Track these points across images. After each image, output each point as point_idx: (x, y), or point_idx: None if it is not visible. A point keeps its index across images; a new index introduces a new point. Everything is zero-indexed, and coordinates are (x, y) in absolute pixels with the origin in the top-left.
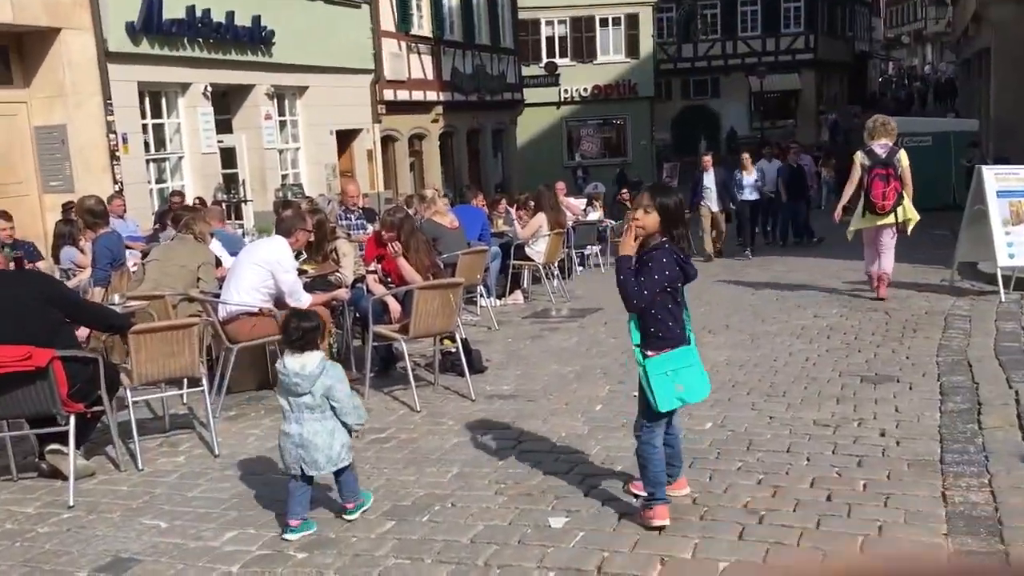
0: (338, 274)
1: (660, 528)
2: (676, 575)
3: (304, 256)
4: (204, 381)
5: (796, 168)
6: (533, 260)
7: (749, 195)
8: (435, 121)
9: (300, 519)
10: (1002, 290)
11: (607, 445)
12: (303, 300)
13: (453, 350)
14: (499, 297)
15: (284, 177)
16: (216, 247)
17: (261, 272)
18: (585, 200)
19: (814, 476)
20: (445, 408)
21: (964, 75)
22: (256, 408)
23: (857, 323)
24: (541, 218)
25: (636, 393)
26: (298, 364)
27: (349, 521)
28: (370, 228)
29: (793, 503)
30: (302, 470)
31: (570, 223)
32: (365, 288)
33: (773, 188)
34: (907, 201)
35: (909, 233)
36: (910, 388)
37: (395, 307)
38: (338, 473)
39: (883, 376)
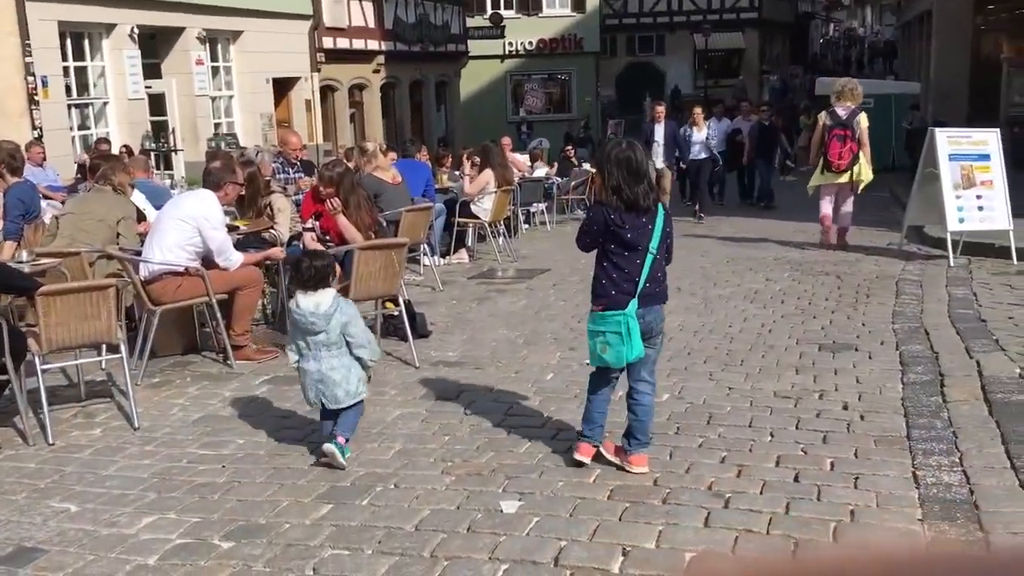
0: (273, 231)
1: (578, 463)
2: (640, 566)
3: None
4: (123, 347)
5: (767, 126)
6: (479, 218)
7: (699, 153)
8: (376, 71)
9: (347, 435)
10: (951, 255)
11: (560, 419)
12: (233, 260)
13: (396, 313)
14: (443, 256)
15: (217, 126)
16: (138, 199)
17: (186, 228)
18: (529, 156)
19: (779, 454)
20: (387, 376)
21: (904, 38)
22: (182, 374)
23: (810, 287)
24: (488, 175)
25: (587, 360)
26: (312, 303)
27: (337, 453)
28: (308, 181)
29: (760, 484)
30: (323, 405)
31: (516, 179)
32: (302, 246)
33: (720, 148)
34: (863, 161)
35: (859, 192)
36: (869, 357)
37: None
38: (348, 407)
39: (841, 344)
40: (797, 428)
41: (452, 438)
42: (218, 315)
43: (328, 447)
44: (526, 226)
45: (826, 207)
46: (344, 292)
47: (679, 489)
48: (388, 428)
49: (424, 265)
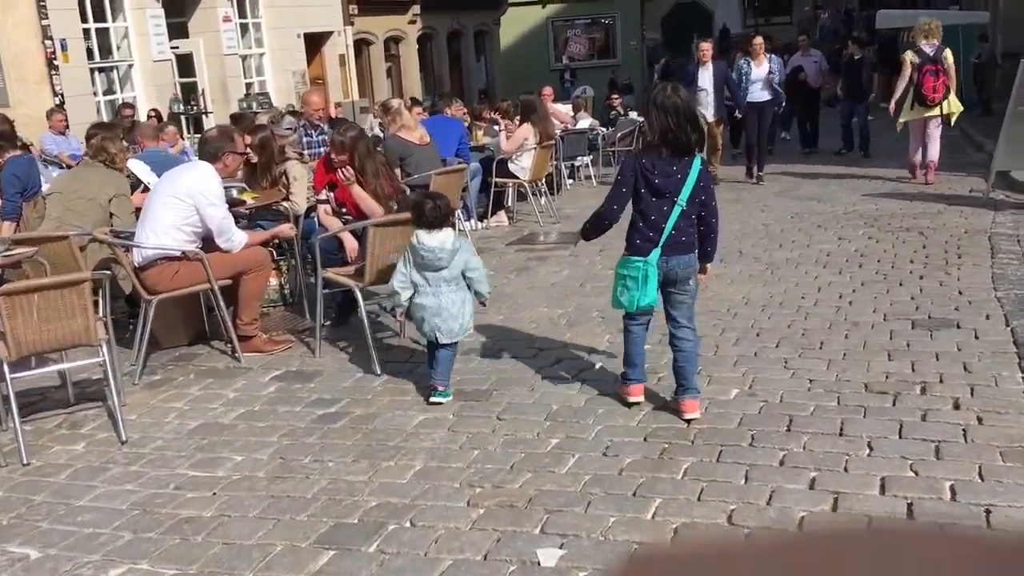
0: (288, 203)
1: (632, 404)
2: None
3: (244, 187)
4: (103, 350)
5: (856, 62)
6: (518, 177)
7: (760, 94)
8: (412, 22)
9: (446, 384)
10: None
11: (609, 424)
12: (236, 240)
13: None
14: (481, 219)
15: (248, 87)
16: (139, 169)
17: (182, 207)
18: (572, 106)
19: (883, 475)
20: (412, 369)
21: None
22: (185, 370)
23: (890, 247)
24: (527, 130)
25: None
26: (438, 240)
27: (436, 403)
28: None
29: (863, 522)
30: (437, 338)
31: (558, 132)
32: (316, 220)
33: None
34: (952, 95)
35: (952, 124)
36: (976, 337)
37: (351, 245)
38: (448, 345)
39: (938, 320)
40: (900, 436)
41: (482, 453)
42: (221, 303)
43: (434, 399)
44: (570, 182)
45: (916, 145)
46: (359, 275)
47: (764, 532)
48: (409, 440)
49: (460, 231)
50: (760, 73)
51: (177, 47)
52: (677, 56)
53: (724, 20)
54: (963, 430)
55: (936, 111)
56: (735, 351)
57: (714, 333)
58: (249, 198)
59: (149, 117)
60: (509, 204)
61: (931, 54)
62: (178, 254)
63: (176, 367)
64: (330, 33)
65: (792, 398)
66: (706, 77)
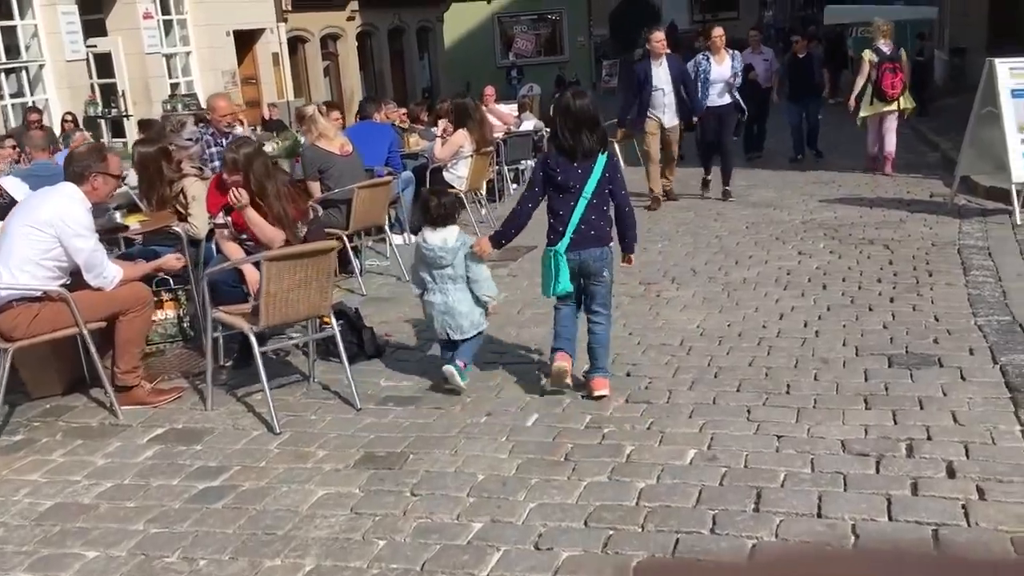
0: (186, 225)
1: (561, 372)
2: None
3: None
4: None
5: (805, 59)
6: (454, 187)
7: (722, 98)
8: (351, 19)
9: (468, 361)
10: (1017, 210)
11: (544, 504)
12: (108, 276)
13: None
14: (415, 232)
15: (174, 87)
16: (14, 187)
17: (42, 238)
18: (517, 106)
19: None
20: (317, 425)
21: None
22: (52, 429)
23: (855, 263)
24: (462, 136)
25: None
26: (440, 239)
27: (456, 375)
28: None
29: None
30: (448, 335)
31: (500, 135)
32: (214, 248)
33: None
34: (907, 92)
35: (907, 118)
36: (962, 377)
37: (252, 277)
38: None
39: (917, 356)
40: (890, 518)
41: (388, 546)
42: (92, 349)
43: (448, 368)
44: (515, 186)
45: (874, 139)
46: (254, 315)
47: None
48: (302, 526)
49: (395, 244)
50: (723, 72)
51: (95, 45)
52: (623, 52)
53: (671, 15)
54: (963, 507)
55: (894, 106)
56: (691, 398)
57: (666, 374)
58: (135, 222)
59: (65, 122)
60: None
61: (888, 53)
62: (38, 294)
63: (43, 424)
64: (262, 30)
65: (758, 461)
66: (661, 74)
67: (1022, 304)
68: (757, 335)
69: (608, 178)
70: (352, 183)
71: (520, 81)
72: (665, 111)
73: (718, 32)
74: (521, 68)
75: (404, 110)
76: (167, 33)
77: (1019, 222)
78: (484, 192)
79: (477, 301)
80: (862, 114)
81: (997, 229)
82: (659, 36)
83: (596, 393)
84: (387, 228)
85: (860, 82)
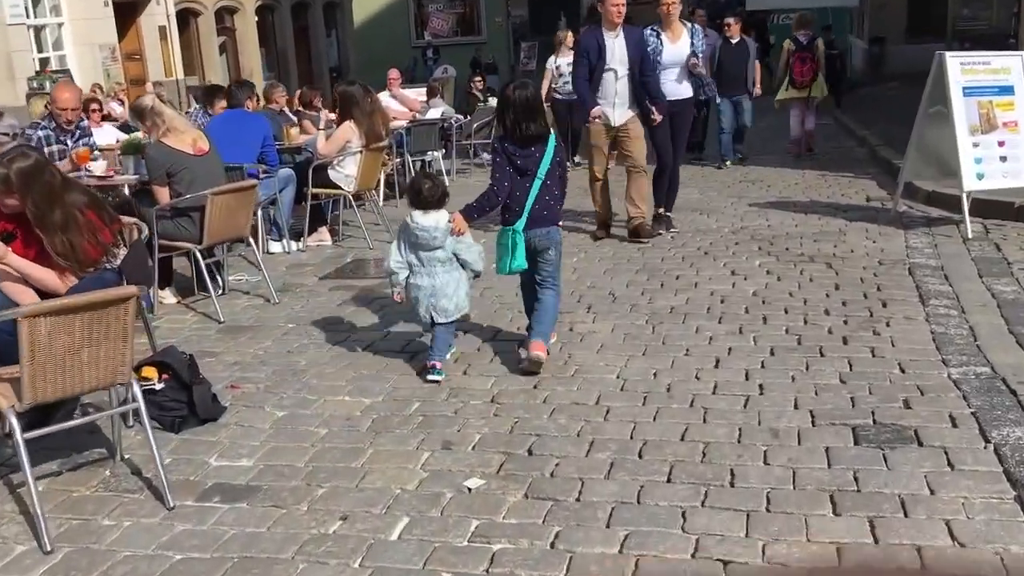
0: None
1: (539, 361)
2: None
3: None
4: None
5: (735, 47)
6: (340, 187)
7: (675, 86)
8: None
9: (442, 360)
10: (968, 221)
11: None
12: None
13: (157, 387)
14: (297, 238)
15: (44, 63)
16: None
17: None
18: (426, 90)
19: None
20: (107, 537)
21: None
22: None
23: (796, 287)
24: (348, 129)
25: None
26: (432, 220)
27: (434, 381)
28: (86, 152)
29: None
30: (432, 318)
31: (404, 123)
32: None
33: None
34: (820, 80)
35: (815, 104)
36: (949, 464)
37: None
38: (444, 324)
39: (888, 429)
40: None
41: None
42: None
43: (431, 378)
44: None
45: (796, 120)
46: (15, 387)
47: None
48: None
49: (270, 253)
50: (677, 53)
51: None
52: (542, 34)
53: None
54: None
55: (805, 92)
56: (608, 492)
57: (578, 451)
58: None
59: None
60: (334, 215)
61: (804, 43)
62: None
63: None
64: (147, 2)
65: None
66: (617, 48)
67: (996, 346)
68: (689, 390)
69: (559, 161)
70: (209, 187)
71: (436, 62)
72: (615, 103)
73: (671, 2)
74: (437, 49)
75: (299, 93)
76: (35, 2)
77: (970, 235)
78: (381, 192)
79: (463, 283)
80: (777, 98)
81: (947, 243)
82: (618, 4)
83: (534, 354)
84: (260, 236)
85: (781, 69)
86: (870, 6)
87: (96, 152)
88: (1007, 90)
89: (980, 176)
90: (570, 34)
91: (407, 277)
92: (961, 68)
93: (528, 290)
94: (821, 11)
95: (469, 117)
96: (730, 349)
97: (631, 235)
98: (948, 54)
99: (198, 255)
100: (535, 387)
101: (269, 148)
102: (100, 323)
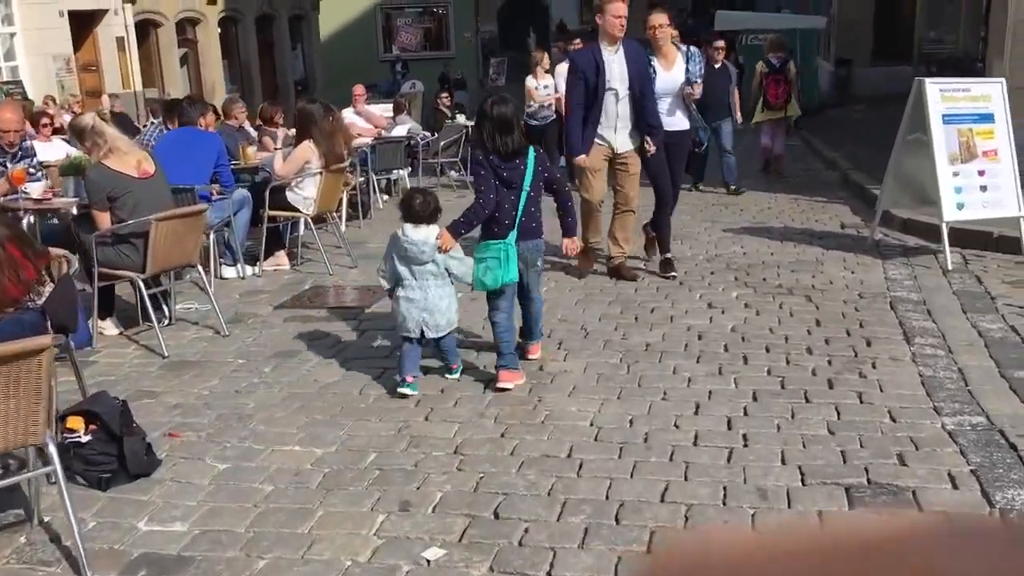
0: None
1: (504, 389)
2: None
3: None
4: None
5: (718, 71)
6: (298, 210)
7: (671, 118)
8: (212, 3)
9: (414, 376)
10: (948, 252)
11: None
12: None
13: (83, 440)
14: (253, 263)
15: None
16: None
17: None
18: (393, 106)
19: None
20: None
21: None
22: None
23: (776, 322)
24: (306, 149)
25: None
26: (422, 235)
27: (455, 377)
28: (21, 170)
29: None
30: (423, 333)
31: (369, 140)
32: None
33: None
34: (793, 101)
35: (791, 124)
36: None
37: None
38: (444, 336)
39: (884, 488)
40: None
41: None
42: None
43: (402, 390)
44: (386, 197)
45: (765, 138)
46: None
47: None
48: None
49: (223, 278)
50: (671, 80)
51: None
52: (510, 50)
53: (559, 14)
54: None
55: (780, 113)
56: (583, 564)
57: (548, 514)
58: None
59: None
60: (288, 240)
61: (777, 65)
62: None
63: None
64: (104, 11)
65: None
66: (616, 68)
67: (988, 392)
68: (668, 441)
69: (541, 170)
70: (154, 211)
71: (405, 76)
72: (617, 126)
73: (658, 19)
74: (406, 63)
75: (260, 108)
76: None
77: (950, 266)
78: (344, 213)
79: (454, 298)
80: (754, 120)
81: (926, 275)
82: (620, 8)
83: (531, 357)
84: (213, 261)
85: (754, 92)
86: (837, 28)
87: (41, 172)
88: (987, 118)
89: (960, 206)
90: (546, 55)
91: (396, 289)
92: (941, 95)
93: (505, 329)
94: (789, 32)
95: (437, 134)
96: (710, 392)
97: (611, 274)
98: (928, 81)
99: (141, 285)
100: (502, 435)
101: (223, 168)
102: (8, 378)
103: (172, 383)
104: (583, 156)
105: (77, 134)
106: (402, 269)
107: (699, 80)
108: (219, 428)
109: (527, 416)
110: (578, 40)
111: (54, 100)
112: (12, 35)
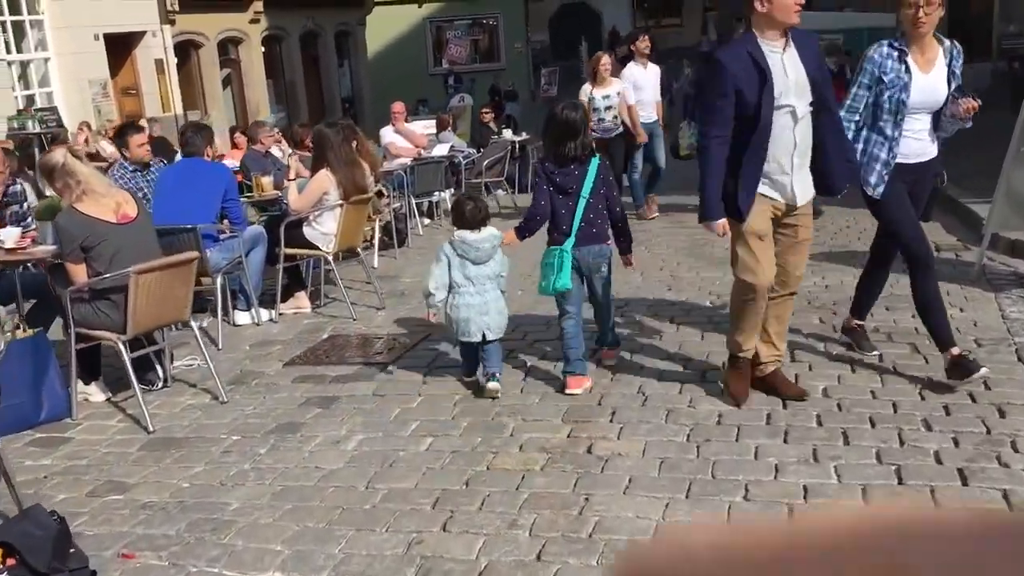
0: None
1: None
2: None
3: None
4: None
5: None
6: (317, 247)
7: (926, 144)
8: (254, 21)
9: (499, 370)
10: None
11: None
12: None
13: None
14: (271, 306)
15: (29, 99)
16: None
17: None
18: (435, 122)
19: None
20: None
21: None
22: None
23: (877, 382)
24: (324, 179)
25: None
26: (486, 232)
27: (493, 387)
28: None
29: None
30: (484, 336)
31: (407, 161)
32: None
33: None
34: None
35: None
36: None
37: None
38: (490, 341)
39: None
40: None
41: None
42: None
43: (493, 385)
44: (427, 221)
45: None
46: None
47: None
48: None
49: (236, 325)
50: (932, 89)
51: None
52: (562, 59)
53: (612, 21)
54: None
55: None
56: None
57: None
58: None
59: None
60: (310, 281)
61: (835, 71)
62: None
63: None
64: (142, 34)
65: None
66: (790, 71)
67: None
68: None
69: (603, 180)
70: (136, 262)
71: (458, 89)
72: (794, 164)
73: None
74: (459, 76)
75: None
76: (20, 37)
77: None
78: (376, 244)
79: (504, 299)
80: None
81: None
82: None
83: (606, 361)
84: (219, 307)
85: None
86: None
87: (31, 216)
88: None
89: None
90: (606, 57)
91: (447, 300)
92: None
93: (573, 336)
94: (856, 32)
95: (482, 151)
96: (805, 489)
97: (763, 383)
98: None
99: (122, 348)
100: (539, 556)
101: (232, 203)
102: None
103: (149, 470)
104: (724, 221)
105: (46, 174)
106: (457, 276)
107: (965, 92)
108: (187, 544)
109: (571, 525)
110: (613, 51)
111: (89, 126)
112: (46, 60)
